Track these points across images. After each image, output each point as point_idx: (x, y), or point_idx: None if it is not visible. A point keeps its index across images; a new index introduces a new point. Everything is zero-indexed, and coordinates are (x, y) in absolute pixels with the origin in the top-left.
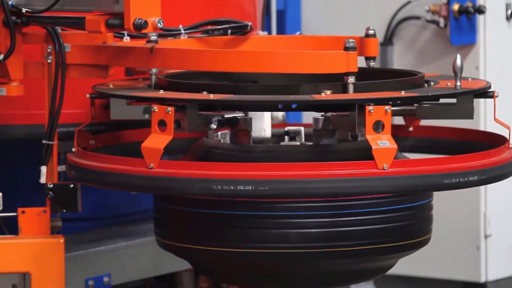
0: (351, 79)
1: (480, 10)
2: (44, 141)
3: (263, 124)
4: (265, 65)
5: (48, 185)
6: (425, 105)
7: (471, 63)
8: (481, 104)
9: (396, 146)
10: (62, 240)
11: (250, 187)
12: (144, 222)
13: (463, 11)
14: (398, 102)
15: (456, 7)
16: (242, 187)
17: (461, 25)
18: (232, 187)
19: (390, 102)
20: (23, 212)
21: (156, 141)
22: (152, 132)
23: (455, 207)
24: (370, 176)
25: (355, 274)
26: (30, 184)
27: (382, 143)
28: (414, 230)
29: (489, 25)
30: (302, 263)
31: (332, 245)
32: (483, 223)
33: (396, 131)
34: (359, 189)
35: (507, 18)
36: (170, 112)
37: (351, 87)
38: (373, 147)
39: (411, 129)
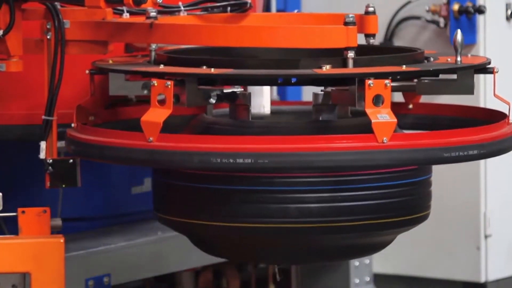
0: (351, 54)
1: (480, 10)
2: (43, 117)
3: (262, 101)
4: (264, 40)
5: (48, 160)
6: (425, 80)
7: None
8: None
9: (396, 120)
10: (62, 240)
11: (249, 160)
12: (144, 222)
13: (463, 11)
14: (398, 77)
15: (456, 7)
16: (241, 160)
17: (461, 25)
18: (231, 160)
19: (390, 77)
20: (23, 212)
21: (156, 115)
22: (152, 106)
23: (455, 206)
24: (370, 149)
25: (354, 250)
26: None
27: (382, 116)
28: (413, 206)
29: (489, 25)
30: (301, 238)
31: (331, 220)
32: (483, 223)
33: (396, 109)
34: (359, 162)
35: (507, 18)
36: (169, 86)
37: (350, 62)
38: (372, 121)
39: (410, 106)
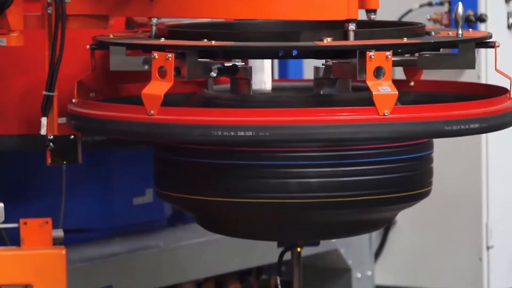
0: (352, 26)
1: (482, 19)
2: (44, 92)
3: (263, 77)
4: (265, 11)
5: (48, 137)
6: (426, 55)
7: (473, 71)
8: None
9: (397, 92)
10: (64, 252)
11: (250, 133)
12: (146, 233)
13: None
14: (399, 50)
15: None
16: (242, 133)
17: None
18: (232, 133)
19: (392, 49)
20: (25, 223)
21: (156, 88)
22: (152, 79)
23: (457, 218)
24: (371, 121)
25: (355, 226)
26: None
27: (383, 89)
28: (414, 181)
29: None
30: (302, 213)
31: (331, 195)
32: (485, 234)
33: (397, 86)
34: (360, 134)
35: (509, 27)
36: (170, 59)
37: (351, 35)
38: (373, 93)
39: (412, 83)
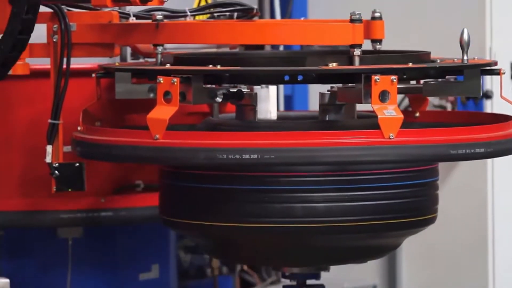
0: (357, 52)
1: (488, 96)
2: (49, 120)
3: (268, 106)
4: (270, 37)
5: (54, 165)
6: (432, 82)
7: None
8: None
9: (402, 116)
10: None
11: (255, 156)
12: None
13: (470, 96)
14: (404, 76)
15: None
16: (247, 156)
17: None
18: (237, 156)
19: (397, 74)
20: None
21: (162, 112)
22: (158, 103)
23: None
24: (376, 144)
25: (361, 251)
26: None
27: (388, 112)
28: (420, 208)
29: (496, 111)
30: (307, 238)
31: (337, 220)
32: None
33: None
34: (365, 157)
35: None
36: (175, 83)
37: (357, 60)
38: (379, 116)
39: (417, 114)
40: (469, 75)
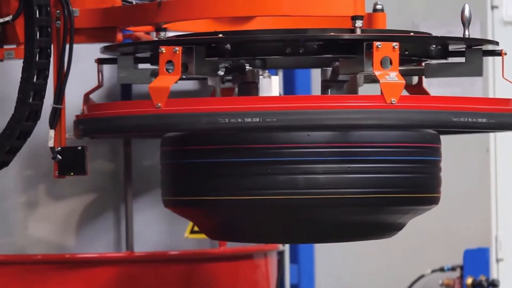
0: (359, 23)
1: (494, 284)
2: (52, 105)
3: (271, 93)
4: (271, 8)
5: (56, 149)
6: (433, 63)
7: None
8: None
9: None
10: None
11: (257, 119)
12: None
13: (476, 284)
14: (406, 52)
15: (469, 281)
16: (249, 119)
17: None
18: (239, 120)
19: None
20: None
21: (163, 81)
22: (160, 73)
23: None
24: (378, 108)
25: (363, 227)
26: None
27: (390, 77)
28: (422, 185)
29: None
30: (309, 211)
31: (338, 192)
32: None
33: None
34: (366, 120)
35: None
36: (177, 52)
37: (358, 32)
38: (381, 81)
39: None
40: (471, 56)
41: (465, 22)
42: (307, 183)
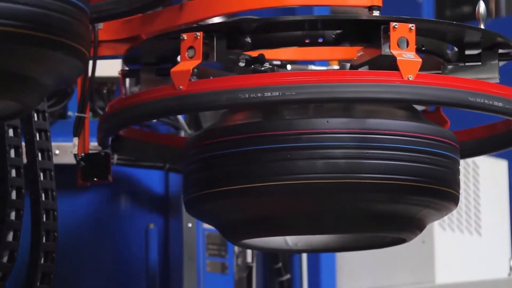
0: (376, 13)
1: None
2: (76, 114)
3: None
4: None
5: (79, 156)
6: (450, 66)
7: None
8: None
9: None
10: None
11: (277, 93)
12: None
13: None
14: (423, 48)
15: None
16: (269, 94)
17: None
18: (259, 94)
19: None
20: None
21: (185, 65)
22: (181, 60)
23: None
24: (395, 83)
25: (382, 218)
26: None
27: (407, 56)
28: (441, 178)
29: None
30: (328, 195)
31: (356, 176)
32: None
33: None
34: (384, 94)
35: None
36: (198, 37)
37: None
38: (398, 59)
39: None
40: (487, 57)
41: (480, 19)
42: (327, 167)
